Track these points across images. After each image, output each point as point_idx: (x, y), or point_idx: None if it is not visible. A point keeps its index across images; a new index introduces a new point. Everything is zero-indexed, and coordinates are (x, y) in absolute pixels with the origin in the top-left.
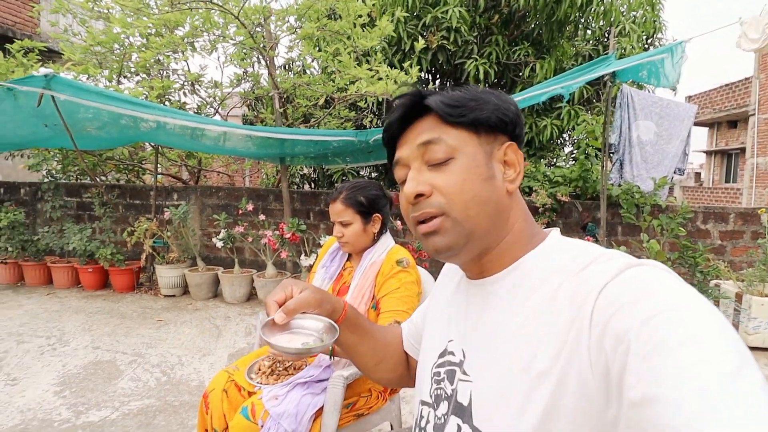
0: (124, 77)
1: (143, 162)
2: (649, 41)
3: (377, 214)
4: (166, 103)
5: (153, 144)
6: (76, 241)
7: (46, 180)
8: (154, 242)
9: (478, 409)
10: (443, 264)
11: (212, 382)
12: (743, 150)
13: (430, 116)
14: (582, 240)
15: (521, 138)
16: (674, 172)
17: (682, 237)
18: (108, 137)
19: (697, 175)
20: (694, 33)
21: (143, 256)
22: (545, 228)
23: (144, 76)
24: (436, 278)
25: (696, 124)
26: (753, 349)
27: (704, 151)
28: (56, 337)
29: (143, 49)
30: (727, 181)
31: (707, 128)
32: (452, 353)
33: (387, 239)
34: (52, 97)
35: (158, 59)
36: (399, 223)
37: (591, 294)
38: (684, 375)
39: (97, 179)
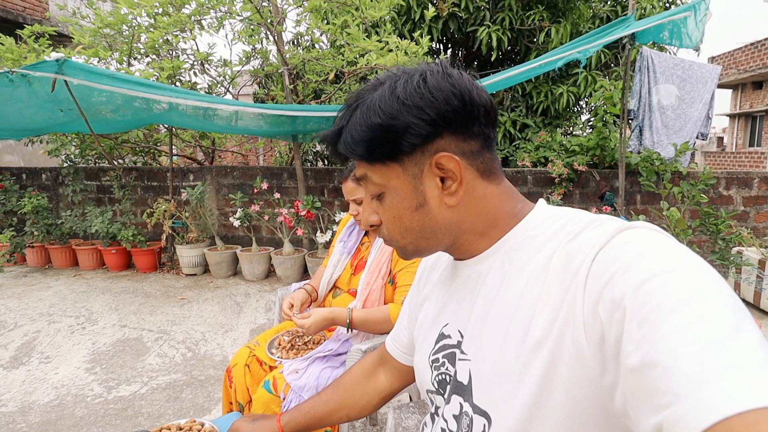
0: (134, 59)
1: (158, 144)
2: (669, 1)
3: None
4: (177, 83)
5: (167, 126)
6: (98, 224)
7: (65, 165)
8: (173, 223)
9: (477, 386)
10: None
11: (235, 357)
12: None
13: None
14: (573, 209)
15: (471, 119)
16: (696, 137)
17: (704, 204)
18: (122, 120)
19: (720, 139)
20: None
21: (163, 237)
22: (561, 198)
23: (154, 57)
24: None
25: (719, 86)
26: None
27: (727, 115)
28: (85, 316)
29: (151, 29)
30: (750, 145)
31: (731, 90)
32: (449, 336)
33: None
34: (65, 81)
35: (167, 39)
36: None
37: (584, 262)
38: (681, 338)
39: (115, 162)
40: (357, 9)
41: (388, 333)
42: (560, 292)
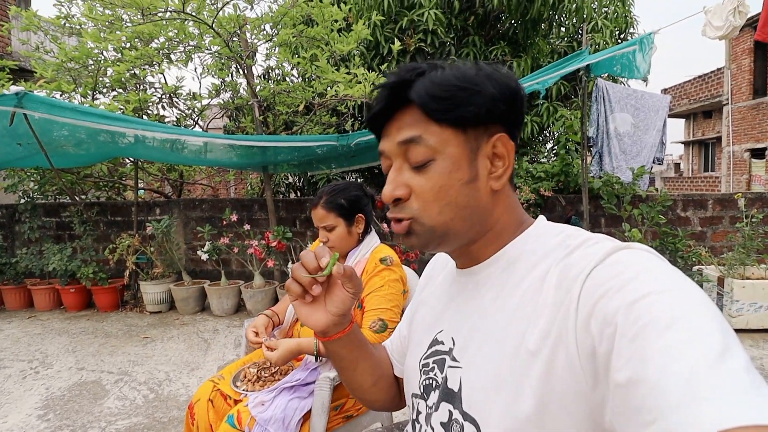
0: (100, 93)
1: (123, 178)
2: (621, 36)
3: (360, 215)
4: (144, 117)
5: (132, 159)
6: (57, 262)
7: (22, 201)
8: (137, 258)
9: (468, 394)
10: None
11: (197, 393)
12: (719, 139)
13: (413, 109)
14: (568, 225)
15: (518, 121)
16: (653, 162)
17: (663, 224)
18: (85, 154)
19: (677, 165)
20: (664, 24)
21: (126, 273)
22: None
23: (120, 90)
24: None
25: (672, 115)
26: (737, 331)
27: (682, 142)
28: (39, 360)
29: (117, 63)
30: (705, 170)
31: (683, 119)
32: (441, 342)
33: (372, 239)
34: (25, 115)
35: (134, 72)
36: (385, 225)
37: (579, 278)
38: (670, 357)
39: (76, 197)
40: (326, 44)
41: None
42: (555, 306)
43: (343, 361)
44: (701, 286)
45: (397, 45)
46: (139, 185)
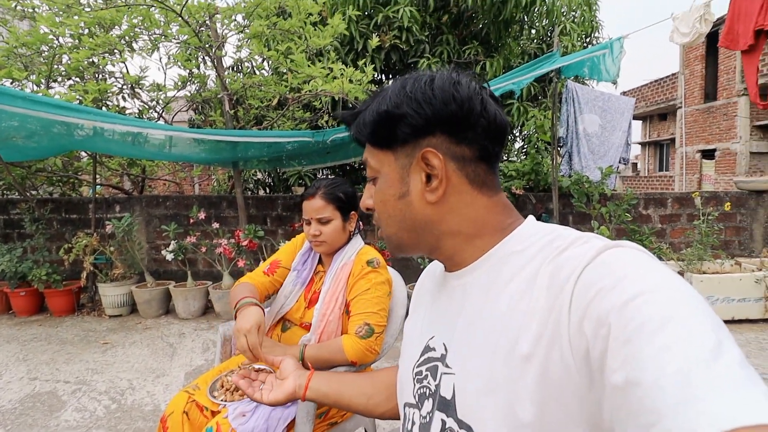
0: (55, 81)
1: (79, 173)
2: (588, 39)
3: (354, 212)
4: (104, 108)
5: (90, 153)
6: (5, 263)
7: None
8: (96, 259)
9: (462, 401)
10: (407, 263)
11: (170, 405)
12: (673, 140)
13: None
14: (555, 224)
15: (467, 126)
16: (619, 162)
17: (629, 222)
18: (38, 147)
19: (634, 165)
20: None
21: (83, 275)
22: None
23: (77, 80)
24: (403, 275)
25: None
26: None
27: (639, 143)
28: None
29: (75, 50)
30: (660, 170)
31: (641, 121)
32: (433, 349)
33: (357, 240)
34: None
35: (93, 61)
36: (361, 223)
37: (570, 278)
38: (665, 357)
39: (27, 193)
40: (300, 37)
41: (343, 365)
42: (547, 307)
43: (329, 397)
44: None
45: (374, 41)
46: (97, 181)
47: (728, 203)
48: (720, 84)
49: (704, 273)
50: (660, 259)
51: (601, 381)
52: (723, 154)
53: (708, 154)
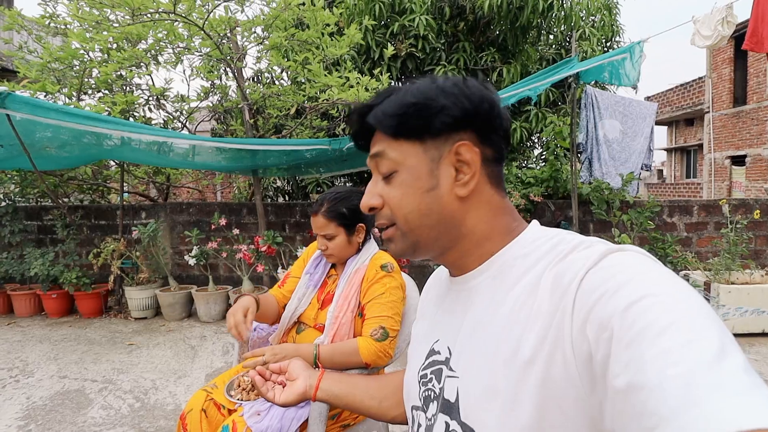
0: (85, 94)
1: (108, 181)
2: (608, 44)
3: (361, 224)
4: (131, 119)
5: (118, 161)
6: (38, 266)
7: (3, 204)
8: (122, 263)
9: (465, 404)
10: (423, 269)
11: (189, 403)
12: (701, 146)
13: (378, 131)
14: (564, 230)
15: (490, 127)
16: (641, 168)
17: (651, 230)
18: (69, 156)
19: (660, 172)
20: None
21: (111, 278)
22: None
23: (106, 92)
24: (417, 282)
25: (655, 123)
26: None
27: (665, 149)
28: (19, 368)
29: (104, 63)
30: (687, 177)
31: (666, 127)
32: (438, 352)
33: (371, 246)
34: (7, 116)
35: (120, 74)
36: (377, 230)
37: (573, 282)
38: (667, 361)
39: (59, 201)
40: (318, 47)
41: (357, 367)
42: (550, 311)
43: (340, 399)
44: None
45: (390, 50)
46: (125, 188)
47: (758, 211)
48: (750, 87)
49: (732, 283)
50: (685, 269)
51: (603, 385)
52: (754, 160)
53: (738, 161)
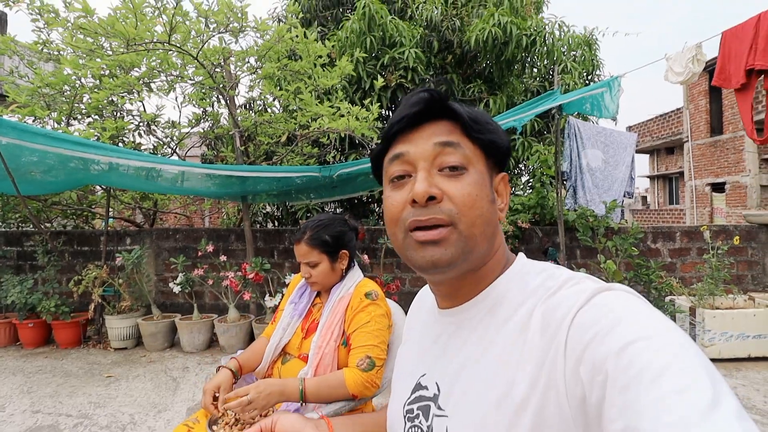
0: (74, 119)
1: (93, 206)
2: (589, 77)
3: (344, 251)
4: (120, 144)
5: (104, 186)
6: (15, 294)
7: None
8: (104, 290)
9: None
10: (412, 296)
11: None
12: (682, 174)
13: (446, 122)
14: (547, 263)
15: (506, 160)
16: (624, 196)
17: (636, 256)
18: (55, 181)
19: (644, 198)
20: (627, 69)
21: (91, 307)
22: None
23: (96, 117)
24: (406, 310)
25: (638, 151)
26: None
27: (648, 176)
28: None
29: (96, 90)
30: (670, 203)
31: (648, 155)
32: (425, 387)
33: (355, 273)
34: None
35: (112, 100)
36: (366, 257)
37: (565, 320)
38: (662, 408)
39: (42, 226)
40: (310, 77)
41: (344, 399)
42: (541, 352)
43: None
44: (674, 316)
45: (380, 81)
46: (110, 214)
47: (737, 237)
48: (725, 118)
49: (717, 308)
50: (670, 293)
51: (597, 428)
52: (733, 187)
53: (718, 188)
